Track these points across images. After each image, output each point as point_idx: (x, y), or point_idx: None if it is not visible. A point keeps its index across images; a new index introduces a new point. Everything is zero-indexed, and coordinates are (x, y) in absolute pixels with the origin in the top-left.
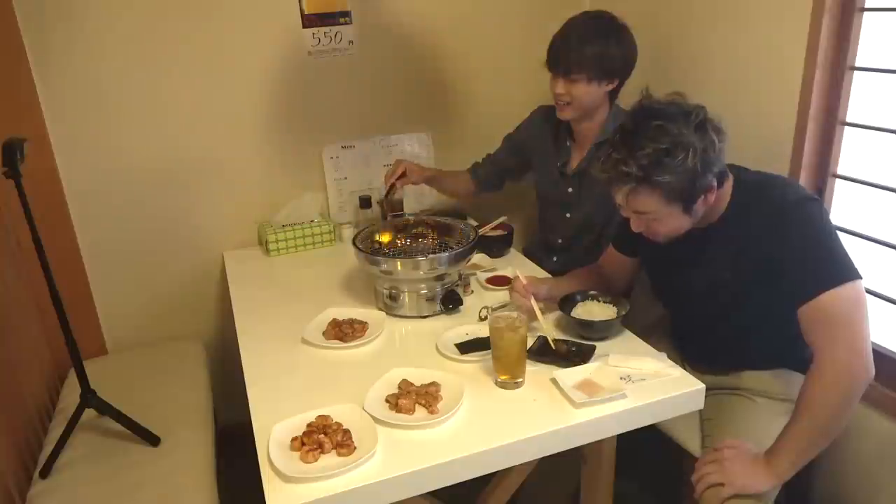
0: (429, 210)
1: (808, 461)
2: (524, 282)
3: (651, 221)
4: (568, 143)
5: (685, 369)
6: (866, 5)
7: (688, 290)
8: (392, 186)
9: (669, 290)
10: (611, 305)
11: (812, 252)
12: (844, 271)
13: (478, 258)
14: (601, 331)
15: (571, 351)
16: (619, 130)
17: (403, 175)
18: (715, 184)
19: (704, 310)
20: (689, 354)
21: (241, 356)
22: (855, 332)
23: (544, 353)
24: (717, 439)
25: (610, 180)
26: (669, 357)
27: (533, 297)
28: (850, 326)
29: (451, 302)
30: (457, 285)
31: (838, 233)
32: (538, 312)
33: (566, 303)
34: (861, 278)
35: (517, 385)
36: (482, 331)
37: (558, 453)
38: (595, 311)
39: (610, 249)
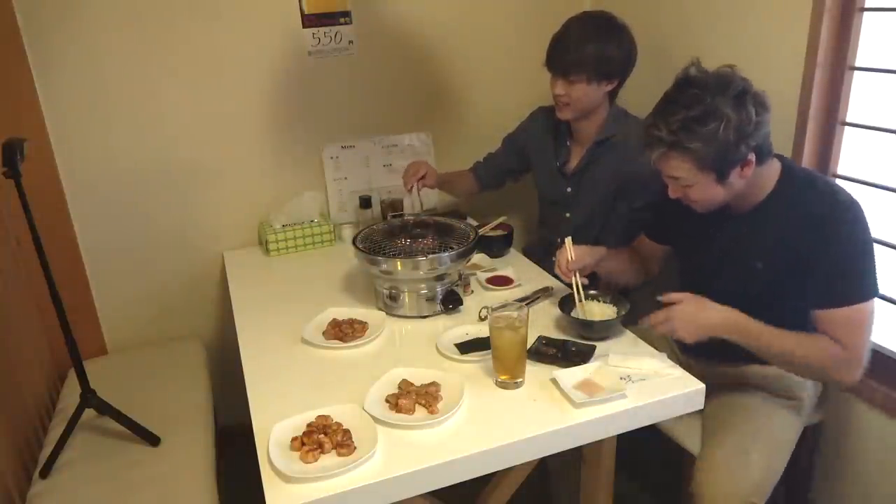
0: (429, 210)
1: (748, 347)
2: (571, 256)
3: (685, 188)
4: (567, 143)
5: (689, 361)
6: (866, 5)
7: (716, 279)
8: (412, 187)
9: (697, 277)
10: (611, 305)
11: (852, 259)
12: (872, 288)
13: (478, 258)
14: (601, 331)
15: (571, 351)
16: (662, 97)
17: (423, 177)
18: (752, 158)
19: (728, 302)
20: (690, 348)
21: (241, 356)
22: (862, 343)
23: (544, 353)
24: (719, 438)
25: (645, 144)
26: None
27: (576, 274)
28: (861, 337)
29: (451, 302)
30: (457, 285)
31: None
32: (578, 291)
33: (566, 303)
34: (878, 294)
35: (517, 385)
36: (482, 331)
37: (558, 453)
38: (595, 311)
39: (642, 237)
